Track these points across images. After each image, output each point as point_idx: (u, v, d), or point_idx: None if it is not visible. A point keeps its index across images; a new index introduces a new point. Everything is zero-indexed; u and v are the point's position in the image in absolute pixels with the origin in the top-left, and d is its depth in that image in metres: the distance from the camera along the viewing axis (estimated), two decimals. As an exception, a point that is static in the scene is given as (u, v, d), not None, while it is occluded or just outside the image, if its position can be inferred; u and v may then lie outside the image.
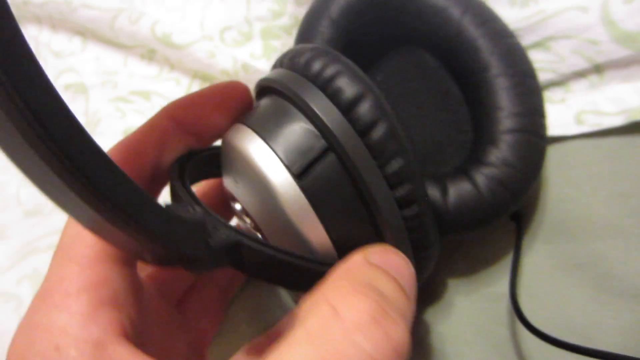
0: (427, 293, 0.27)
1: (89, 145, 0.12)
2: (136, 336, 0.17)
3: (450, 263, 0.27)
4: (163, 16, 0.39)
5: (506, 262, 0.26)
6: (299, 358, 0.14)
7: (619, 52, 0.26)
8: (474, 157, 0.24)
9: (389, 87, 0.28)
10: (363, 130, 0.18)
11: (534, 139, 0.23)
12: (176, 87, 0.38)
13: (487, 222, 0.23)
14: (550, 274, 0.25)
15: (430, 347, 0.25)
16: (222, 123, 0.22)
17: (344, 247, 0.18)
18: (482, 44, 0.25)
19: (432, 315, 0.26)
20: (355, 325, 0.14)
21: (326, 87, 0.18)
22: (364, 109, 0.18)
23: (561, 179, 0.27)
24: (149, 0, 0.42)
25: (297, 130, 0.18)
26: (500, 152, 0.23)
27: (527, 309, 0.23)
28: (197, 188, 0.27)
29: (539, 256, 0.26)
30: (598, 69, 0.27)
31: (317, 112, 0.18)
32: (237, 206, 0.21)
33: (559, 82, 0.28)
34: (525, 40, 0.28)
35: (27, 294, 0.32)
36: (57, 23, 0.43)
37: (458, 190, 0.23)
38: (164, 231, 0.14)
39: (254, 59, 0.35)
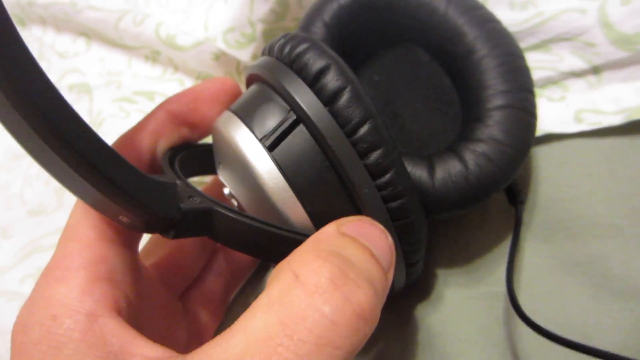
0: (424, 288, 0.27)
1: (69, 112, 0.14)
2: (131, 314, 0.18)
3: (448, 257, 0.27)
4: (167, 18, 0.39)
5: (505, 256, 0.26)
6: (259, 324, 0.14)
7: (616, 54, 0.26)
8: (462, 135, 0.24)
9: (385, 85, 0.29)
10: (328, 100, 0.18)
11: (522, 115, 0.23)
12: (180, 88, 0.38)
13: (475, 199, 0.22)
14: (550, 273, 0.25)
15: (430, 345, 0.26)
16: (213, 114, 0.23)
17: (321, 221, 0.19)
18: (467, 30, 0.25)
19: (430, 312, 0.26)
20: (314, 289, 0.14)
21: (293, 64, 0.19)
22: (328, 79, 0.18)
23: (561, 179, 0.27)
24: (153, 2, 0.43)
25: (270, 107, 0.19)
26: (488, 129, 0.23)
27: (526, 307, 0.23)
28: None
29: (539, 255, 0.26)
30: (596, 70, 0.28)
31: (285, 86, 0.19)
32: (226, 190, 0.22)
33: (558, 81, 0.29)
34: (525, 43, 0.29)
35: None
36: (61, 24, 0.43)
37: (445, 167, 0.22)
38: (136, 189, 0.16)
39: (256, 60, 0.36)
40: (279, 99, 0.19)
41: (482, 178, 0.22)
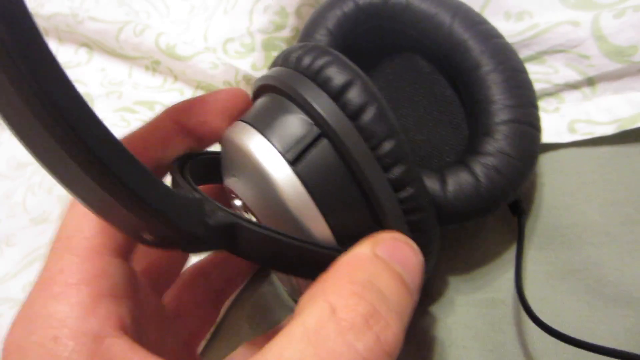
0: (427, 292, 0.28)
1: (99, 126, 0.13)
2: (135, 330, 0.17)
3: (450, 264, 0.28)
4: (167, 28, 0.40)
5: (506, 266, 0.27)
6: (295, 353, 0.14)
7: (610, 65, 0.27)
8: (471, 149, 0.24)
9: (388, 93, 0.29)
10: (353, 114, 0.18)
11: (528, 129, 0.24)
12: (180, 98, 0.39)
13: (486, 210, 0.23)
14: (545, 279, 0.26)
15: (430, 350, 0.26)
16: (222, 127, 0.22)
17: (342, 233, 0.19)
18: (472, 44, 0.25)
19: (432, 317, 0.27)
20: (349, 326, 0.15)
21: (316, 77, 0.19)
22: (353, 94, 0.18)
23: (556, 187, 0.27)
24: (154, 12, 0.43)
25: (291, 119, 0.19)
26: (496, 142, 0.23)
27: (522, 313, 0.23)
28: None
29: (534, 262, 0.26)
30: (590, 81, 0.28)
31: (309, 100, 0.19)
32: (238, 202, 0.21)
33: (553, 92, 0.29)
34: (520, 55, 0.29)
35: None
36: (63, 35, 0.44)
37: (457, 180, 0.23)
38: (165, 206, 0.15)
39: (255, 70, 0.36)
40: (300, 112, 0.19)
41: (493, 190, 0.23)
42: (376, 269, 0.16)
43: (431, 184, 0.23)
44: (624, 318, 0.24)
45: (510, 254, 0.27)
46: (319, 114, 0.18)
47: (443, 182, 0.23)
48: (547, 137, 0.28)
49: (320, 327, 0.15)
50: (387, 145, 0.18)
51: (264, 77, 0.21)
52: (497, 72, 0.24)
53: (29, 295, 0.17)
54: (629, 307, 0.24)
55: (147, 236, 0.16)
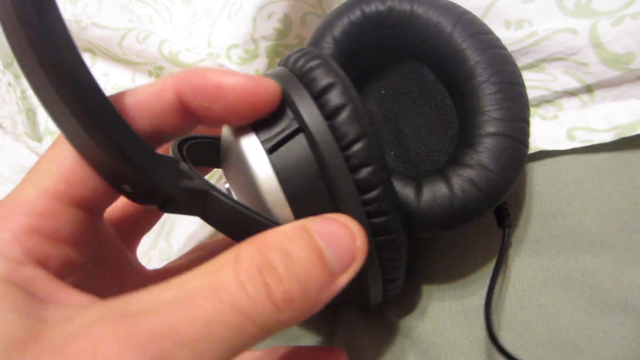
0: (413, 300, 0.28)
1: (91, 81, 0.16)
2: (75, 276, 0.19)
3: (439, 271, 0.28)
4: (170, 34, 0.40)
5: (485, 279, 0.27)
6: (194, 284, 0.16)
7: (608, 73, 0.27)
8: (453, 159, 0.24)
9: (391, 99, 0.29)
10: (329, 114, 0.20)
11: (513, 144, 0.23)
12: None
13: (458, 222, 0.23)
14: (542, 286, 0.26)
15: (419, 355, 0.26)
16: (228, 121, 0.20)
17: None
18: (469, 54, 0.25)
19: (420, 324, 0.27)
20: (244, 270, 0.16)
21: (303, 78, 0.21)
22: (332, 95, 0.20)
23: (553, 195, 0.27)
24: (157, 18, 0.44)
25: (277, 113, 0.21)
26: (477, 154, 0.23)
27: (518, 319, 0.23)
28: None
29: (531, 269, 0.26)
30: (589, 88, 0.28)
31: (292, 97, 0.20)
32: (226, 185, 0.23)
33: (552, 100, 0.29)
34: (519, 63, 0.29)
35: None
36: (67, 40, 0.44)
37: (431, 190, 0.23)
38: (145, 162, 0.17)
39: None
40: (286, 108, 0.21)
41: (467, 203, 0.23)
42: (294, 236, 0.17)
43: (407, 191, 0.23)
44: (620, 325, 0.24)
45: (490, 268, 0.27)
46: (297, 110, 0.20)
47: (418, 191, 0.23)
48: (545, 144, 0.28)
49: (220, 267, 0.16)
50: (357, 147, 0.19)
51: (267, 74, 0.23)
52: (489, 84, 0.24)
53: None
54: (625, 314, 0.24)
55: (127, 188, 0.18)
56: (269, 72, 0.23)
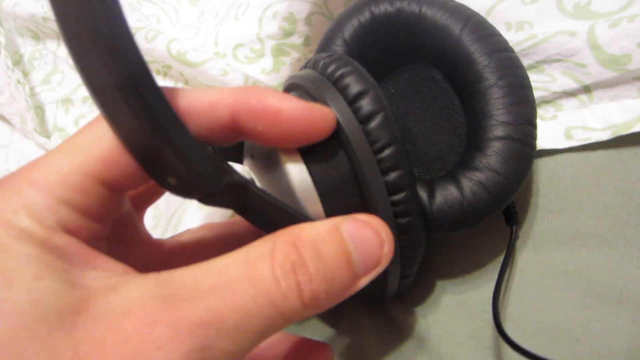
0: (420, 294, 0.29)
1: (160, 92, 0.16)
2: (94, 246, 0.18)
3: (445, 265, 0.29)
4: (177, 33, 0.41)
5: (493, 275, 0.27)
6: (232, 272, 0.16)
7: (605, 74, 0.28)
8: (463, 162, 0.25)
9: (400, 99, 0.30)
10: (363, 119, 0.21)
11: (520, 147, 0.24)
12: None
13: (468, 223, 0.24)
14: (540, 279, 0.27)
15: (423, 347, 0.27)
16: (277, 144, 0.20)
17: None
18: (478, 57, 0.26)
19: (425, 316, 0.28)
20: (279, 264, 0.17)
21: (337, 83, 0.21)
22: (366, 101, 0.21)
23: (551, 191, 0.28)
24: (163, 17, 0.44)
25: None
26: (486, 158, 0.24)
27: (517, 311, 0.24)
28: None
29: (529, 263, 0.27)
30: (587, 89, 0.29)
31: (328, 101, 0.21)
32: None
33: (551, 100, 0.30)
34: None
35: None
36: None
37: (443, 192, 0.24)
38: (198, 157, 0.17)
39: (264, 74, 0.37)
40: None
41: (476, 205, 0.24)
42: (327, 237, 0.18)
43: (420, 193, 0.24)
44: (615, 316, 0.25)
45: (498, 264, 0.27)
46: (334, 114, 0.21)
47: (431, 193, 0.24)
48: (544, 143, 0.29)
49: (258, 257, 0.17)
50: (388, 152, 0.20)
51: (295, 77, 0.24)
52: (497, 87, 0.25)
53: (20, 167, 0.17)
54: (620, 305, 0.25)
55: (172, 180, 0.18)
56: (299, 74, 0.24)
